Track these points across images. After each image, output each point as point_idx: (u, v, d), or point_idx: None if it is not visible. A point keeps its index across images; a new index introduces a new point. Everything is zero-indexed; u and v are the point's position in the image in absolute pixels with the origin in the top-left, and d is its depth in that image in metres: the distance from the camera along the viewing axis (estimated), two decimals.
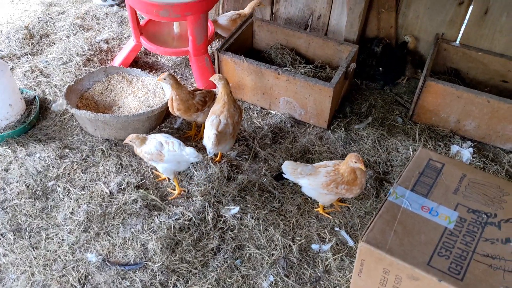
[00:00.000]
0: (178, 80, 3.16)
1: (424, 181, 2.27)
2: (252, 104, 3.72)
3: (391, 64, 3.84)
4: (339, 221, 2.93)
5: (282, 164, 3.15)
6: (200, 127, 3.44)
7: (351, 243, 2.82)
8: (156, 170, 3.13)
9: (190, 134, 3.45)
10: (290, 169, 2.78)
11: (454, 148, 3.39)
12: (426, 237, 2.05)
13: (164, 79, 3.05)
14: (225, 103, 3.03)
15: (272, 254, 2.73)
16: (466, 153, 3.35)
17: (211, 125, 2.96)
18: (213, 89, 3.41)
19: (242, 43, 3.87)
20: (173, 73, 3.14)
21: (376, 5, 3.84)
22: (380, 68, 3.84)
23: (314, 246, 2.81)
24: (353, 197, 2.80)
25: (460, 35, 3.79)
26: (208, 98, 3.29)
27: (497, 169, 3.25)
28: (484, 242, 2.03)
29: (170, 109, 3.20)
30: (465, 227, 2.09)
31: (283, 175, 2.82)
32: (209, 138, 2.93)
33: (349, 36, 3.82)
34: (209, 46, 4.15)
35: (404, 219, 2.11)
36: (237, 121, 3.07)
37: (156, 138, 2.87)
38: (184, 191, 3.05)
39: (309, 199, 3.02)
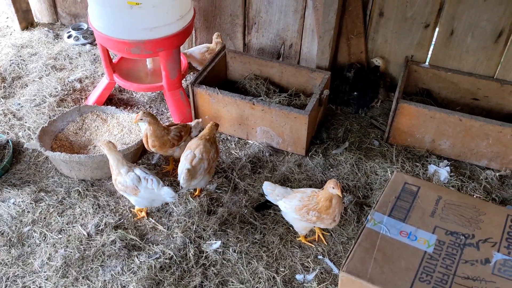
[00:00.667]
0: (154, 115, 3.16)
1: (401, 205, 2.28)
2: (229, 135, 3.72)
3: (365, 88, 3.90)
4: (322, 249, 2.91)
5: (262, 195, 3.15)
6: (177, 162, 3.42)
7: (335, 270, 2.80)
8: (133, 208, 3.09)
9: (168, 170, 3.42)
10: (269, 190, 2.83)
11: (432, 167, 3.42)
12: (406, 263, 2.04)
13: (141, 119, 3.06)
14: (203, 138, 3.04)
15: None
16: (443, 172, 3.38)
17: (185, 160, 2.96)
18: (189, 123, 3.41)
19: (216, 75, 3.89)
20: (147, 110, 3.14)
21: (345, 32, 3.91)
22: (355, 93, 3.89)
23: (299, 277, 2.78)
24: (327, 227, 2.78)
25: (429, 57, 3.87)
26: (184, 132, 3.28)
27: (475, 186, 3.28)
28: (464, 264, 2.04)
29: (146, 146, 3.18)
30: (444, 250, 2.09)
31: (267, 203, 2.83)
32: (180, 173, 2.92)
33: (321, 63, 3.87)
34: (184, 79, 4.16)
35: (384, 245, 2.11)
36: (212, 157, 3.06)
37: (134, 171, 2.84)
38: (165, 228, 3.01)
39: (290, 228, 3.00)
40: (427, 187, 2.37)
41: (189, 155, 2.98)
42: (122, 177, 2.83)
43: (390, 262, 2.04)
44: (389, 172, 3.38)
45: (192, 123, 3.40)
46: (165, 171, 3.41)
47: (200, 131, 3.29)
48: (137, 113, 3.67)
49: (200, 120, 3.46)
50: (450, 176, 3.35)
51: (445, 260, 2.04)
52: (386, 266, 2.02)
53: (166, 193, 2.80)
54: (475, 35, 3.62)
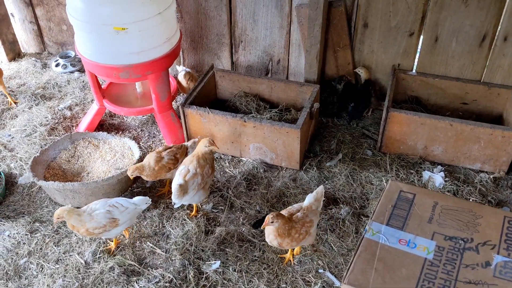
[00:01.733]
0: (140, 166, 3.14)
1: (398, 213, 2.28)
2: (222, 154, 3.71)
3: (356, 99, 3.92)
4: (322, 262, 2.89)
5: (259, 212, 3.14)
6: None
7: (337, 283, 2.78)
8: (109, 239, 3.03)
9: (163, 192, 3.40)
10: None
11: (426, 174, 3.43)
12: (407, 271, 2.03)
13: (132, 174, 3.09)
14: (197, 155, 3.05)
15: None
16: (438, 177, 3.39)
17: (179, 174, 2.98)
18: (184, 143, 3.41)
19: (206, 95, 3.90)
20: (135, 165, 3.11)
21: (332, 45, 3.95)
22: (352, 104, 3.89)
23: None
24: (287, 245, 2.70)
25: (415, 64, 3.92)
26: (180, 154, 3.28)
27: (470, 190, 3.29)
28: (465, 269, 2.03)
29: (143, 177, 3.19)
30: (444, 255, 2.09)
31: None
32: (173, 188, 2.92)
33: (309, 77, 3.90)
34: (174, 101, 4.17)
35: (383, 255, 2.10)
36: (207, 173, 3.06)
37: (97, 210, 2.77)
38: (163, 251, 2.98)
39: None
40: (423, 194, 2.38)
41: (183, 170, 2.99)
42: (91, 223, 2.75)
43: (391, 271, 2.03)
44: (384, 181, 3.39)
45: (189, 143, 3.40)
46: (159, 193, 3.40)
47: None
48: (130, 137, 3.66)
49: (196, 139, 3.45)
50: (445, 181, 3.36)
51: (446, 266, 2.03)
52: (387, 275, 2.01)
53: (139, 203, 2.81)
54: (459, 40, 3.66)
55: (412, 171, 3.46)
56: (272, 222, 2.53)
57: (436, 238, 2.17)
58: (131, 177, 3.12)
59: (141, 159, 3.36)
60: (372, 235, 2.19)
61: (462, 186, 3.33)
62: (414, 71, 3.92)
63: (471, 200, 3.21)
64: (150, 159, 3.16)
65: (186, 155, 3.31)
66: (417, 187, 2.45)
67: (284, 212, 2.74)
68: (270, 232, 2.62)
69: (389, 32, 3.80)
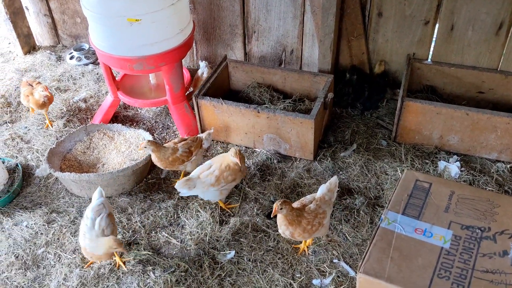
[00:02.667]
0: (157, 143, 3.18)
1: (414, 203, 2.26)
2: (236, 145, 3.72)
3: (371, 91, 3.89)
4: (337, 252, 2.89)
5: (273, 202, 3.14)
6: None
7: (352, 273, 2.77)
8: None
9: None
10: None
11: (442, 164, 3.40)
12: (423, 260, 2.02)
13: (145, 147, 3.11)
14: (226, 161, 3.06)
15: None
16: (453, 167, 3.36)
17: (199, 168, 3.06)
18: (199, 135, 3.41)
19: (219, 86, 3.90)
20: (151, 139, 3.13)
21: (346, 34, 3.91)
22: (366, 94, 3.87)
23: (315, 282, 2.75)
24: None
25: (431, 53, 3.87)
26: (194, 147, 3.27)
27: (487, 180, 3.25)
28: (482, 258, 2.01)
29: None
30: (461, 244, 2.07)
31: None
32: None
33: (323, 67, 3.88)
34: (187, 92, 4.17)
35: (399, 244, 2.09)
36: (225, 179, 3.02)
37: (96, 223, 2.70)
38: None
39: None
40: (439, 183, 2.35)
41: (204, 166, 3.06)
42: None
43: (407, 260, 2.02)
44: (399, 171, 3.37)
45: (203, 135, 3.38)
46: (174, 184, 3.40)
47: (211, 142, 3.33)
48: (144, 129, 3.67)
49: (211, 131, 3.45)
50: (461, 171, 3.32)
51: (462, 255, 2.02)
52: (403, 264, 2.00)
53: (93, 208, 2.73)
54: (475, 29, 3.61)
55: (427, 161, 3.43)
56: (281, 209, 2.53)
57: (453, 227, 2.15)
58: (141, 148, 3.12)
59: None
60: (388, 224, 2.18)
61: (479, 176, 3.29)
62: (429, 60, 3.88)
63: (487, 190, 3.17)
64: (168, 146, 3.19)
65: (200, 147, 3.32)
66: (433, 177, 2.43)
67: (296, 203, 2.73)
68: (281, 222, 2.63)
69: (404, 21, 3.75)
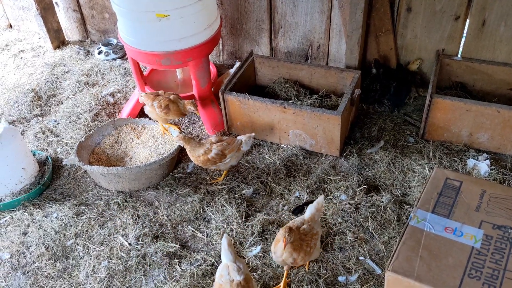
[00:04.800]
0: (190, 138, 3.21)
1: (444, 201, 2.23)
2: (262, 140, 3.72)
3: (398, 86, 3.84)
4: (363, 249, 2.87)
5: (298, 198, 3.14)
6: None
7: (378, 271, 2.76)
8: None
9: (218, 180, 3.39)
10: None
11: (471, 162, 3.34)
12: (453, 260, 1.99)
13: (178, 140, 3.18)
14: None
15: None
16: (483, 166, 3.29)
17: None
18: (238, 137, 3.30)
19: (246, 81, 3.91)
20: (186, 134, 3.09)
21: (374, 30, 3.87)
22: (393, 83, 3.83)
23: (341, 279, 2.74)
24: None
25: (461, 49, 3.80)
26: (229, 150, 3.19)
27: None
28: None
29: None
30: (492, 244, 2.03)
31: (305, 205, 2.82)
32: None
33: (350, 63, 3.84)
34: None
35: (429, 243, 2.06)
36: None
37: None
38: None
39: (330, 230, 2.97)
40: (470, 182, 2.31)
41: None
42: None
43: (437, 259, 1.99)
44: (426, 168, 3.32)
45: (244, 138, 3.27)
46: (214, 182, 3.40)
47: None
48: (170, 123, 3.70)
49: (252, 134, 3.32)
50: (491, 169, 3.26)
51: (494, 255, 1.98)
52: (433, 263, 1.97)
53: None
54: (508, 24, 3.52)
55: (456, 158, 3.38)
56: (290, 239, 2.38)
57: (484, 227, 2.11)
58: (174, 139, 3.17)
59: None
60: (417, 222, 2.15)
61: (509, 174, 3.22)
62: (459, 56, 3.81)
63: None
64: (204, 144, 3.20)
65: (238, 150, 3.24)
66: (463, 175, 2.39)
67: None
68: (287, 249, 2.42)
69: (433, 16, 3.69)
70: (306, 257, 2.52)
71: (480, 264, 1.97)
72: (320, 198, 2.66)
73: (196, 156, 3.19)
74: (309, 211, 2.64)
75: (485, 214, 2.16)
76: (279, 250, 2.46)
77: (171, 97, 3.44)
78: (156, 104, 3.42)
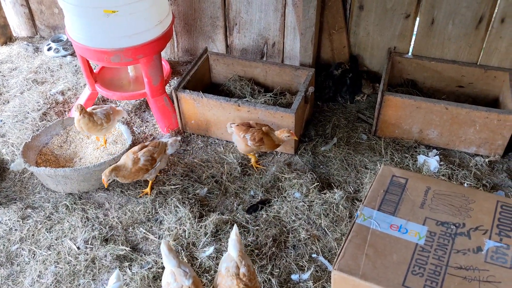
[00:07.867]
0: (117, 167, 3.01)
1: (390, 198, 2.25)
2: (217, 139, 3.68)
3: (354, 78, 3.89)
4: (316, 247, 2.88)
5: (253, 197, 3.12)
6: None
7: (330, 268, 2.77)
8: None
9: (145, 192, 3.26)
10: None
11: (421, 158, 3.41)
12: (398, 257, 2.01)
13: (108, 179, 2.95)
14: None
15: None
16: (433, 161, 3.37)
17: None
18: (162, 140, 3.25)
19: (200, 79, 3.86)
20: (111, 168, 2.95)
21: (327, 27, 3.89)
22: (350, 74, 3.87)
23: (294, 277, 2.75)
24: None
25: (411, 47, 3.86)
26: (157, 153, 3.13)
27: (465, 174, 3.27)
28: (456, 254, 2.01)
29: None
30: (435, 241, 2.07)
31: (259, 204, 2.89)
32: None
33: (305, 60, 3.85)
34: (168, 85, 4.12)
35: (374, 240, 2.08)
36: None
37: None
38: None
39: (284, 228, 2.97)
40: (416, 179, 2.35)
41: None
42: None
43: (382, 256, 2.01)
44: (378, 165, 3.37)
45: (170, 140, 3.24)
46: (142, 194, 3.26)
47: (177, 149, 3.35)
48: (122, 122, 3.61)
49: (178, 138, 3.32)
50: (440, 165, 3.33)
51: (437, 251, 2.02)
52: (378, 261, 1.99)
53: None
54: (455, 23, 3.61)
55: (407, 155, 3.44)
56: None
57: (428, 223, 2.14)
58: (106, 184, 2.94)
59: (133, 144, 3.32)
60: (364, 220, 2.17)
61: (457, 170, 3.31)
62: (410, 54, 3.87)
63: (466, 184, 3.19)
64: (127, 160, 3.03)
65: (164, 152, 3.19)
66: (410, 172, 2.42)
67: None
68: None
69: (385, 14, 3.74)
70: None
71: (423, 261, 2.00)
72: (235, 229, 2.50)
73: (127, 173, 3.00)
74: (234, 249, 2.42)
75: (429, 211, 2.20)
76: None
77: (263, 129, 3.22)
78: (249, 136, 3.22)
